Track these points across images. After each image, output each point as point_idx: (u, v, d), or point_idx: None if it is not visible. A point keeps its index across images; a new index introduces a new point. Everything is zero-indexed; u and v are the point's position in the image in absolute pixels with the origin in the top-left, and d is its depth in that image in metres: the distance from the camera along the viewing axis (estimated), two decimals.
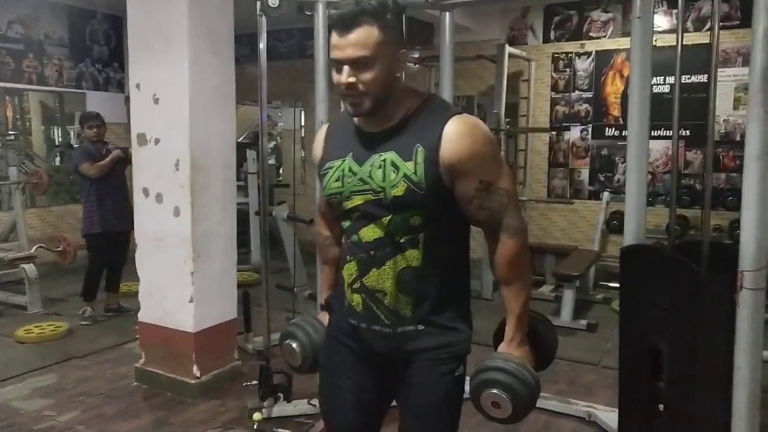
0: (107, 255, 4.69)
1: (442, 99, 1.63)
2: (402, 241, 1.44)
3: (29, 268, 4.96)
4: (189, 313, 3.33)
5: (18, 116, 7.69)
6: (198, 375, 3.35)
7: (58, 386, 3.55)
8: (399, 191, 1.40)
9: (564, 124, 6.16)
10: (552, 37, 6.14)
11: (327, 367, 1.65)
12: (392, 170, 1.41)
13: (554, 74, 6.15)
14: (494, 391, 1.40)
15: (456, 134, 1.39)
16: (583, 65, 6.01)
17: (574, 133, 6.13)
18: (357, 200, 1.46)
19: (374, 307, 1.48)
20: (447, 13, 3.06)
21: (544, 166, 6.28)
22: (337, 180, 1.48)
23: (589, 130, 6.06)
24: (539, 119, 6.19)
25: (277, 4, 2.78)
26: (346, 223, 1.51)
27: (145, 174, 3.42)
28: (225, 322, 3.54)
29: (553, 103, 6.18)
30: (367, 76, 1.37)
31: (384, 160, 1.43)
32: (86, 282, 4.73)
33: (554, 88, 6.16)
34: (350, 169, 1.47)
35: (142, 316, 3.53)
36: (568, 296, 4.70)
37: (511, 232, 1.45)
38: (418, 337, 1.49)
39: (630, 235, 2.52)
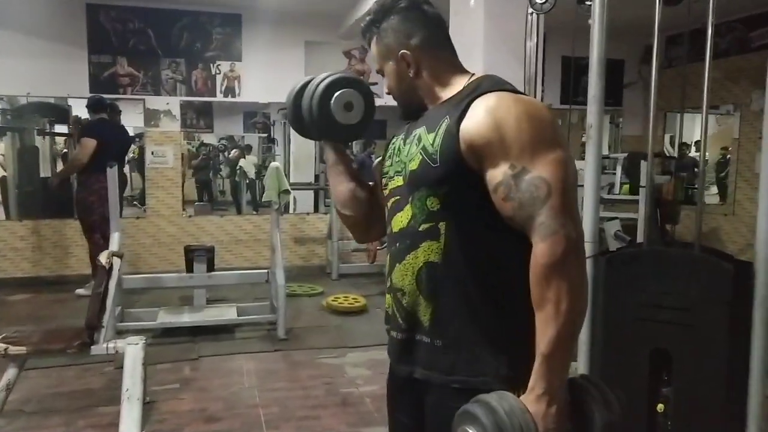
0: None
1: (498, 78, 1.29)
2: (421, 229, 1.22)
3: None
4: None
5: None
6: None
7: (382, 362, 4.07)
8: (414, 165, 1.24)
9: None
10: None
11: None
12: (416, 144, 1.26)
13: None
14: (466, 428, 1.07)
15: (484, 106, 1.16)
16: None
17: None
18: (397, 181, 1.31)
19: (396, 309, 1.30)
20: None
21: None
22: (389, 158, 1.37)
23: None
24: None
25: None
26: (386, 212, 1.36)
27: None
28: None
29: None
30: (388, 82, 1.37)
31: (415, 136, 1.28)
32: None
33: None
34: (398, 149, 1.35)
35: None
36: None
37: (542, 233, 1.07)
38: (433, 353, 1.23)
39: None
